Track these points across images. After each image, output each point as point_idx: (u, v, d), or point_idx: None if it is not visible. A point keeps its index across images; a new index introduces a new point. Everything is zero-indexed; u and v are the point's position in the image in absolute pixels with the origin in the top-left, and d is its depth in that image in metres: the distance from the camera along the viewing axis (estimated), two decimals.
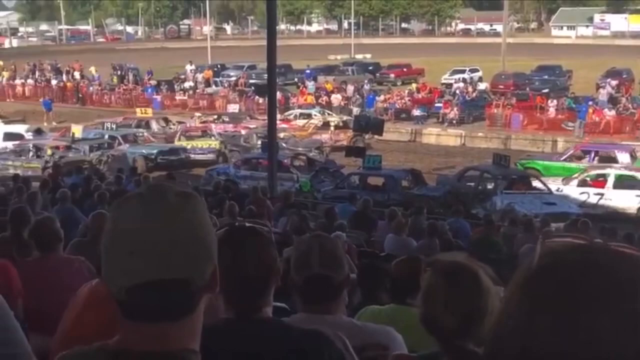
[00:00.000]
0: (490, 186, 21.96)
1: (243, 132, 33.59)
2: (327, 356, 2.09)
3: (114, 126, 34.44)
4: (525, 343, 1.01)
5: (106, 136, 31.58)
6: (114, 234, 1.41)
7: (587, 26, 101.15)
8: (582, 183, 22.70)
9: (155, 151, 28.99)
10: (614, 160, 25.56)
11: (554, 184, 22.51)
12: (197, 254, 1.41)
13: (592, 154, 26.28)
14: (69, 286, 5.20)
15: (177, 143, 31.26)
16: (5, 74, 52.24)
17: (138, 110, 39.55)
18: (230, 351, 2.04)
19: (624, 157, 25.68)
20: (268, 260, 2.23)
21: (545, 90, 43.26)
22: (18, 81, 51.91)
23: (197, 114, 38.96)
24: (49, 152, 27.31)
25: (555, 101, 37.95)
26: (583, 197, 21.83)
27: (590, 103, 36.89)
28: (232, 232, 2.29)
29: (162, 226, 1.38)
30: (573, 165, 25.51)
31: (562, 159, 26.67)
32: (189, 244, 1.39)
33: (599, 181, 22.66)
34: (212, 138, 31.95)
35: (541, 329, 1.01)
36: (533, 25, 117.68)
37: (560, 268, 1.05)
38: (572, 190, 22.26)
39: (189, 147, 30.74)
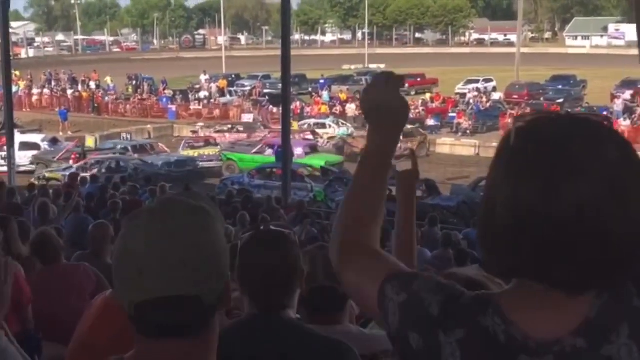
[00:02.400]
0: None
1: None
2: None
3: (129, 136, 34.61)
4: (514, 212, 1.12)
5: (119, 147, 31.71)
6: (124, 250, 1.41)
7: (602, 36, 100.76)
8: None
9: (160, 163, 29.05)
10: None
11: None
12: (207, 271, 1.40)
13: (275, 147, 28.15)
14: (79, 291, 5.24)
15: (183, 153, 31.81)
16: (22, 83, 52.47)
17: (295, 124, 39.14)
18: (254, 348, 2.11)
19: (298, 151, 28.63)
20: (292, 261, 2.30)
21: (560, 100, 43.15)
22: (34, 91, 52.21)
23: (200, 123, 39.29)
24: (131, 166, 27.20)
25: (569, 111, 37.76)
26: None
27: (605, 113, 36.72)
28: (259, 234, 2.37)
29: (171, 243, 1.37)
30: (260, 156, 29.53)
31: (252, 152, 30.27)
32: (199, 260, 1.38)
33: None
34: (218, 147, 32.78)
35: (526, 196, 1.11)
36: (547, 35, 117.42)
37: (534, 140, 1.17)
38: None
39: (195, 155, 31.43)
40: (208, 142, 34.02)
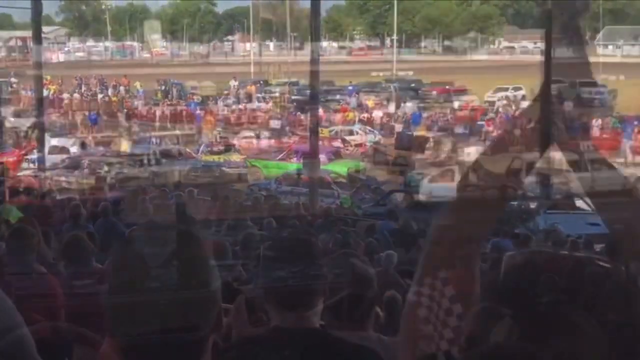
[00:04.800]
0: (533, 205, 21.70)
1: None
2: None
3: (158, 141, 34.92)
4: (495, 344, 1.06)
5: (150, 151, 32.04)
6: (118, 280, 1.40)
7: (634, 44, 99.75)
8: None
9: (187, 167, 29.34)
10: None
11: None
12: (202, 300, 1.39)
13: (299, 154, 29.36)
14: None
15: (203, 158, 31.91)
16: (53, 87, 53.04)
17: (325, 131, 39.13)
18: (278, 357, 2.09)
19: (321, 157, 27.73)
20: (314, 267, 2.26)
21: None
22: (65, 95, 52.69)
23: (218, 128, 39.88)
24: (105, 167, 27.40)
25: (599, 120, 37.39)
26: None
27: (636, 123, 36.34)
28: (281, 240, 2.34)
29: (166, 271, 1.35)
30: (285, 163, 29.70)
31: (277, 158, 30.76)
32: (194, 288, 1.37)
33: None
34: (235, 152, 33.19)
35: (508, 332, 1.07)
36: None
37: (520, 277, 1.11)
38: None
39: (221, 160, 31.56)
40: (228, 147, 34.33)
